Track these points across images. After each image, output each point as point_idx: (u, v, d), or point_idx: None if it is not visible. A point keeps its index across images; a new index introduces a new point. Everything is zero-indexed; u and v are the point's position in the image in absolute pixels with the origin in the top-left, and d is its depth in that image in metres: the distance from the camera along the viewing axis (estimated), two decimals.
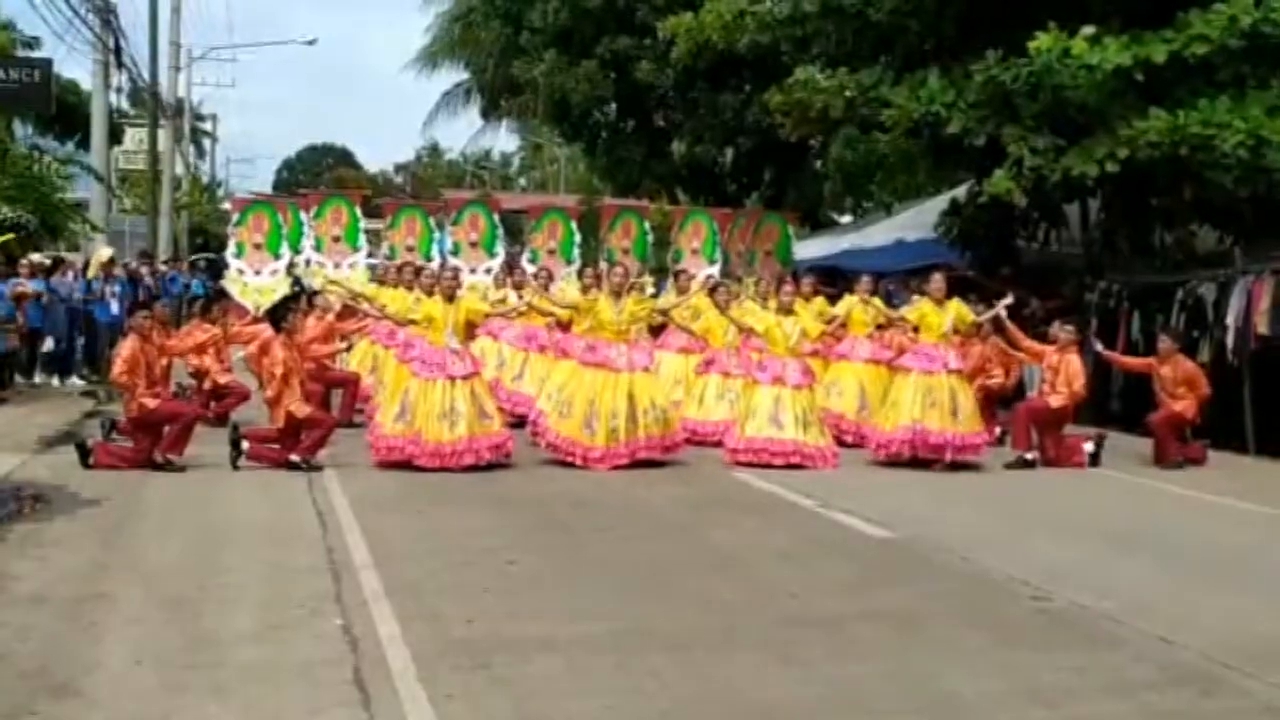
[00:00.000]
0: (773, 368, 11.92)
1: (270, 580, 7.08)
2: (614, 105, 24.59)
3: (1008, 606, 6.98)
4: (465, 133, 74.14)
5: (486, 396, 11.41)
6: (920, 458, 11.77)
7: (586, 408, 11.33)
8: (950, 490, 11.00)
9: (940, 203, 19.51)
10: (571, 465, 11.33)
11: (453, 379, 11.07)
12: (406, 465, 10.93)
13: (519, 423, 12.40)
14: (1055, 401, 12.18)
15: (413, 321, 12.00)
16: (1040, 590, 7.23)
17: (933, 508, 10.16)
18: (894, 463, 11.89)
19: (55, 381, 16.22)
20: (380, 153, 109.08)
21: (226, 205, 18.70)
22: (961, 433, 11.76)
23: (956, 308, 12.28)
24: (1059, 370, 12.28)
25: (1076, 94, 13.24)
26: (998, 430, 13.17)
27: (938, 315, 12.14)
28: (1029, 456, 12.08)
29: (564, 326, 13.56)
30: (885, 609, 6.80)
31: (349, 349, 14.13)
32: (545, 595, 6.96)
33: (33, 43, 25.87)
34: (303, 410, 10.92)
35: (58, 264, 17.06)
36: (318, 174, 67.80)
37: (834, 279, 16.75)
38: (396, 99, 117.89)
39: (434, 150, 70.38)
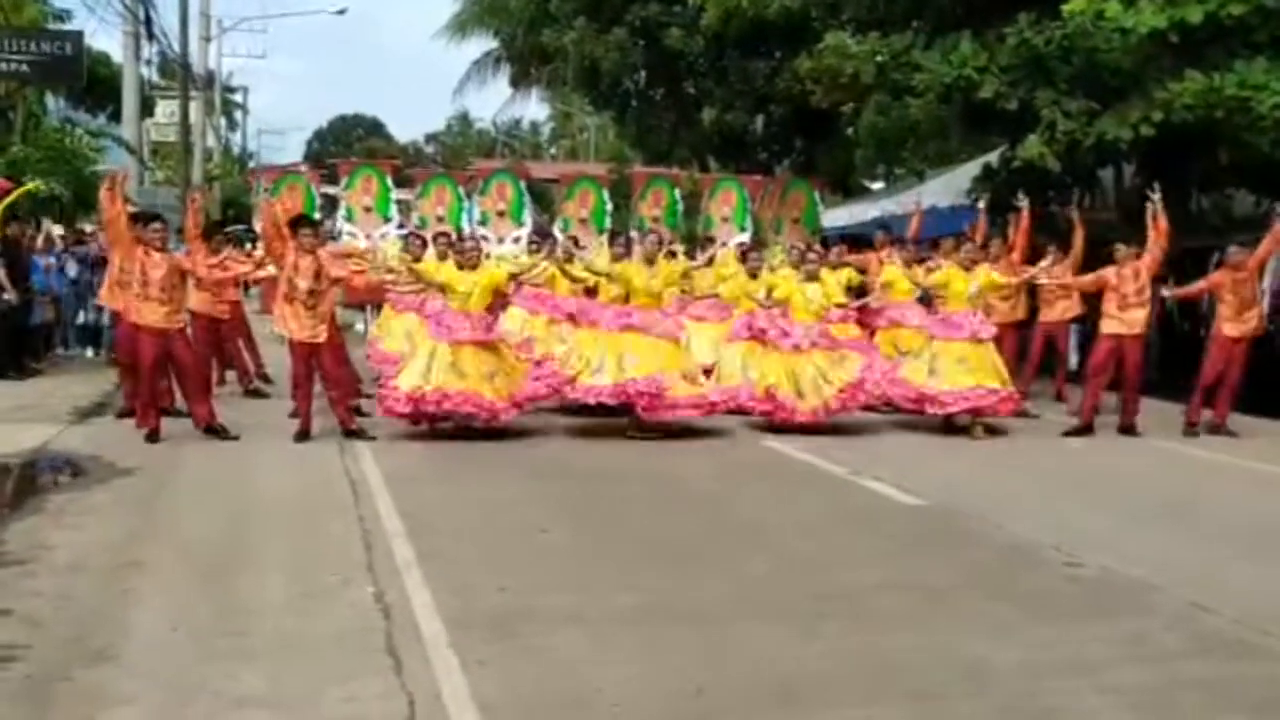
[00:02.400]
0: (794, 334, 11.86)
1: (303, 549, 7.14)
2: (644, 73, 24.41)
3: (1039, 574, 6.95)
4: (495, 102, 74.17)
5: (507, 357, 11.32)
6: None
7: (618, 362, 11.30)
8: (985, 457, 10.96)
9: (972, 169, 19.34)
10: (604, 415, 11.40)
11: (462, 343, 10.94)
12: (420, 422, 11.03)
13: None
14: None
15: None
16: (1072, 557, 7.20)
17: (966, 475, 10.13)
18: (934, 430, 11.83)
19: (89, 353, 16.37)
20: (411, 123, 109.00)
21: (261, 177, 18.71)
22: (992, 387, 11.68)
23: (985, 274, 12.15)
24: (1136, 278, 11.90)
25: (1110, 57, 13.08)
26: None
27: (963, 281, 12.03)
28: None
29: (590, 293, 13.48)
30: (915, 578, 6.79)
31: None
32: (576, 565, 6.99)
33: (64, 15, 25.90)
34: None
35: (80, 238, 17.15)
36: (348, 145, 67.83)
37: (863, 247, 16.63)
38: (426, 69, 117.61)
39: (464, 119, 70.36)
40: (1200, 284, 12.84)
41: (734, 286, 13.50)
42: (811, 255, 12.72)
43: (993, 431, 11.96)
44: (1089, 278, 12.46)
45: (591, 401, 11.30)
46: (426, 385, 10.67)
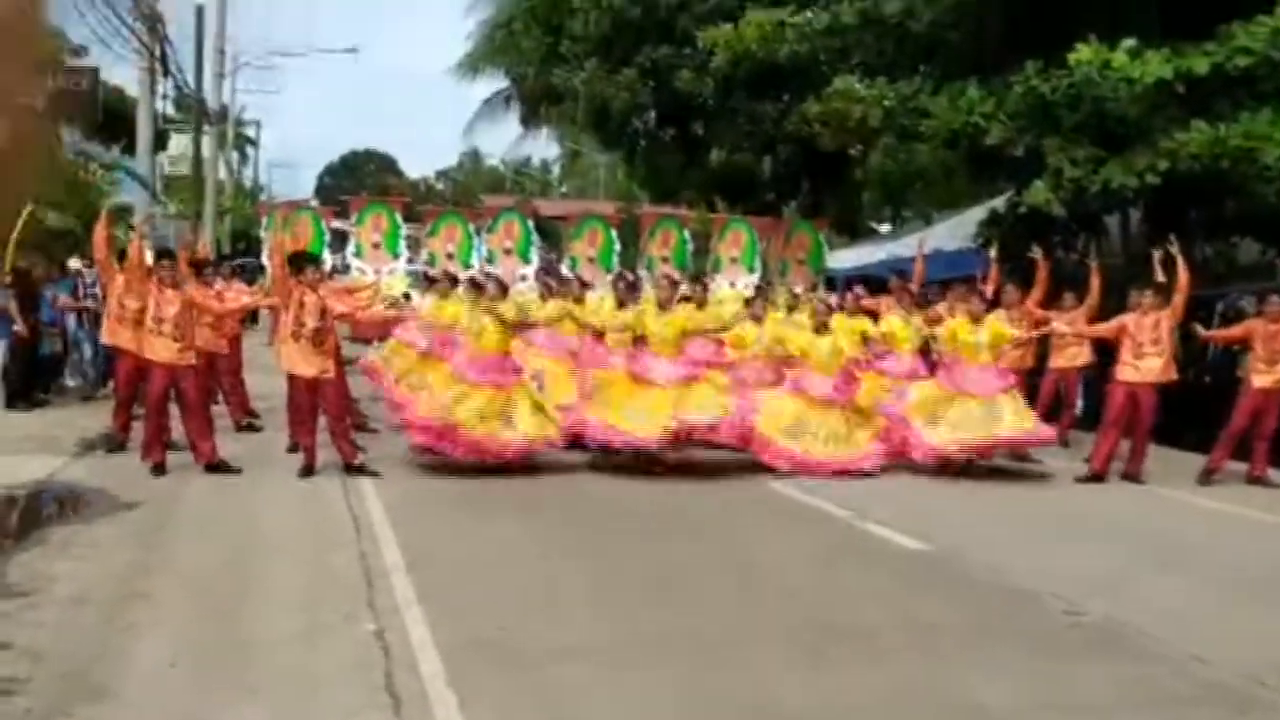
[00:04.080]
0: (804, 383, 11.90)
1: (304, 584, 7.16)
2: (653, 113, 24.59)
3: (1040, 620, 6.95)
4: (506, 139, 74.77)
5: (533, 399, 11.37)
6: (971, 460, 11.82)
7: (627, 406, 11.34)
8: (989, 502, 10.94)
9: (979, 213, 19.42)
10: (612, 454, 11.45)
11: (500, 386, 11.10)
12: (436, 454, 11.06)
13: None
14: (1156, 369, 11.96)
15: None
16: (1074, 604, 7.19)
17: (970, 519, 10.12)
18: (938, 474, 11.85)
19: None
20: (422, 159, 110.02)
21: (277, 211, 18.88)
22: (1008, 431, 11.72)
23: (993, 325, 12.18)
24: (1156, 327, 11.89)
25: (1117, 106, 13.16)
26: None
27: (971, 334, 12.07)
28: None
29: (599, 336, 13.50)
30: (916, 620, 6.79)
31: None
32: (576, 601, 7.00)
33: (80, 50, 26.17)
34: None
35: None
36: (360, 180, 68.20)
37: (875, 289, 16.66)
38: (438, 106, 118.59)
39: (475, 156, 70.73)
40: (1236, 330, 12.85)
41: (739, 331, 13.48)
42: (821, 307, 12.66)
43: (999, 474, 11.97)
44: (1108, 325, 12.48)
45: (654, 448, 11.29)
46: (449, 419, 10.77)
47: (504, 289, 12.26)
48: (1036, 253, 13.25)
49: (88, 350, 15.55)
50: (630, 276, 14.57)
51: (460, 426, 10.80)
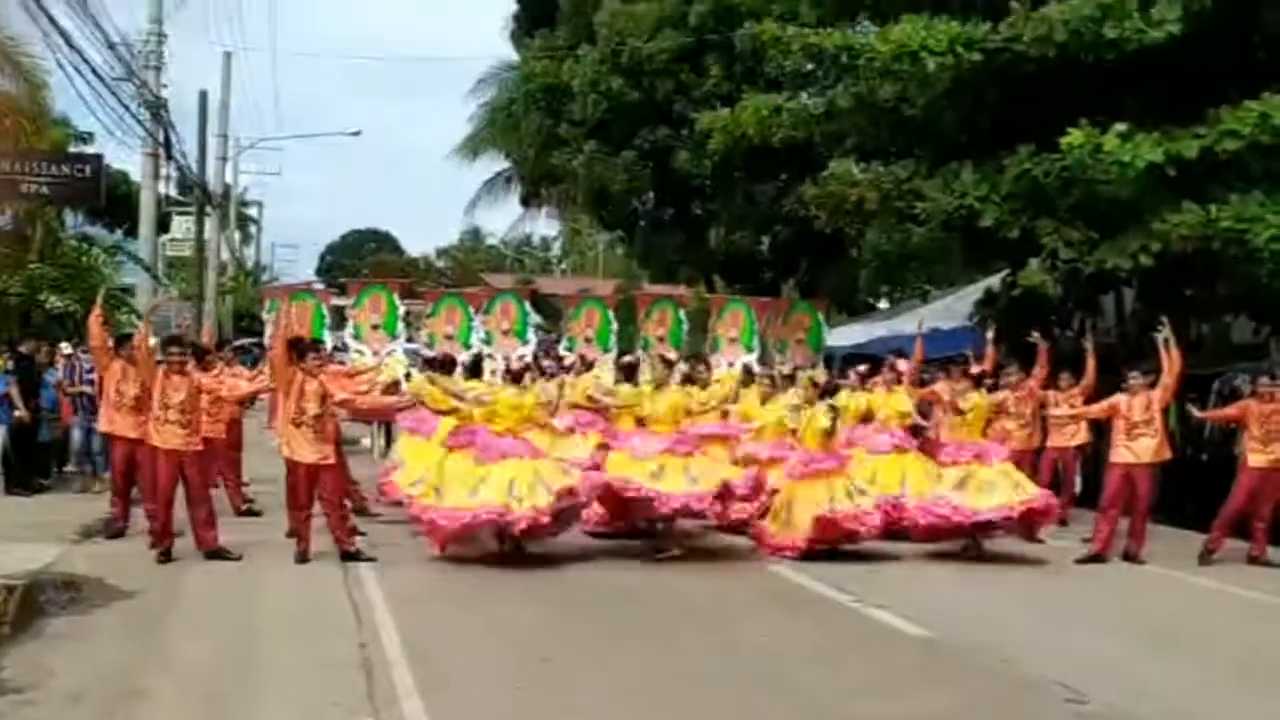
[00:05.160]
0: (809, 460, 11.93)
1: (304, 677, 7.14)
2: (652, 194, 24.87)
3: (1043, 708, 6.93)
4: (506, 218, 75.31)
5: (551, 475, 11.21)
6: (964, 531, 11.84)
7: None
8: (991, 585, 10.90)
9: (975, 291, 19.54)
10: (616, 538, 11.57)
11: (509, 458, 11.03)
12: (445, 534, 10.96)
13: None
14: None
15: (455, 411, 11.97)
16: (1076, 692, 7.16)
17: (971, 603, 10.09)
18: (937, 555, 11.82)
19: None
20: (422, 237, 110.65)
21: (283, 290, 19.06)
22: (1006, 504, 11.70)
23: (977, 401, 12.29)
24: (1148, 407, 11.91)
25: (1109, 189, 13.31)
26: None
27: (966, 404, 12.22)
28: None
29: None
30: (918, 712, 6.76)
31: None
32: (578, 694, 6.97)
33: (85, 137, 26.51)
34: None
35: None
36: (360, 258, 68.64)
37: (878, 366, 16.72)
38: (439, 186, 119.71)
39: (475, 235, 71.17)
40: (1230, 410, 12.90)
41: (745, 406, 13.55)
42: (814, 389, 12.75)
43: (1000, 556, 11.95)
44: (1100, 405, 12.55)
45: (695, 507, 11.28)
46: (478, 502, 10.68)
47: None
48: (1036, 337, 13.32)
49: (77, 437, 15.33)
50: (632, 358, 14.66)
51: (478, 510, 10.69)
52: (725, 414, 13.27)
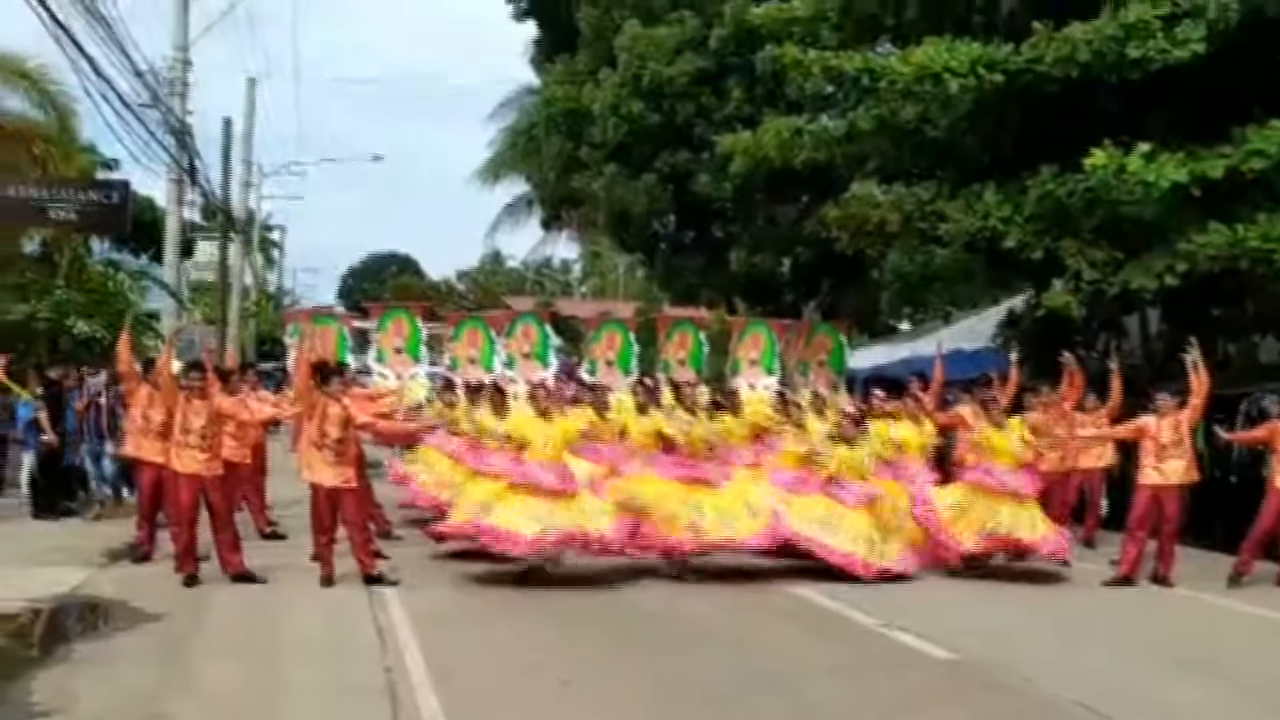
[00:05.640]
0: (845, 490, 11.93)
1: (329, 701, 7.13)
2: (673, 217, 24.94)
3: None
4: (527, 241, 75.41)
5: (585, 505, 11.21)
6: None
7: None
8: (1016, 606, 10.83)
9: (997, 313, 19.48)
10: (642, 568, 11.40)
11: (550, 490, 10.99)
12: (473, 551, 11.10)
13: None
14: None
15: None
16: (1101, 715, 7.10)
17: (997, 625, 10.01)
18: (959, 576, 11.75)
19: (125, 493, 16.46)
20: (443, 260, 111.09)
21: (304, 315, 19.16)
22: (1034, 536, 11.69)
23: (1018, 428, 12.19)
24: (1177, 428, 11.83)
25: (1133, 209, 13.26)
26: None
27: (1003, 439, 12.05)
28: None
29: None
30: None
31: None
32: (601, 715, 6.95)
33: (112, 164, 26.73)
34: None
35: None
36: (381, 281, 68.87)
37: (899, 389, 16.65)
38: (460, 209, 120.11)
39: (496, 258, 71.40)
40: (1259, 431, 12.79)
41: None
42: (847, 421, 12.58)
43: (1026, 577, 11.88)
44: (1128, 426, 12.46)
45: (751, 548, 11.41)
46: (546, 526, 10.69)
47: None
48: (1068, 359, 13.25)
49: (89, 464, 15.15)
50: (650, 382, 14.63)
51: (496, 524, 10.71)
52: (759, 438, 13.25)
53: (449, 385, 15.58)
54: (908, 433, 13.12)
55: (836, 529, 11.56)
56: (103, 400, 14.92)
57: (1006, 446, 11.99)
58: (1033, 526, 11.81)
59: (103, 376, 15.25)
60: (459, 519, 11.13)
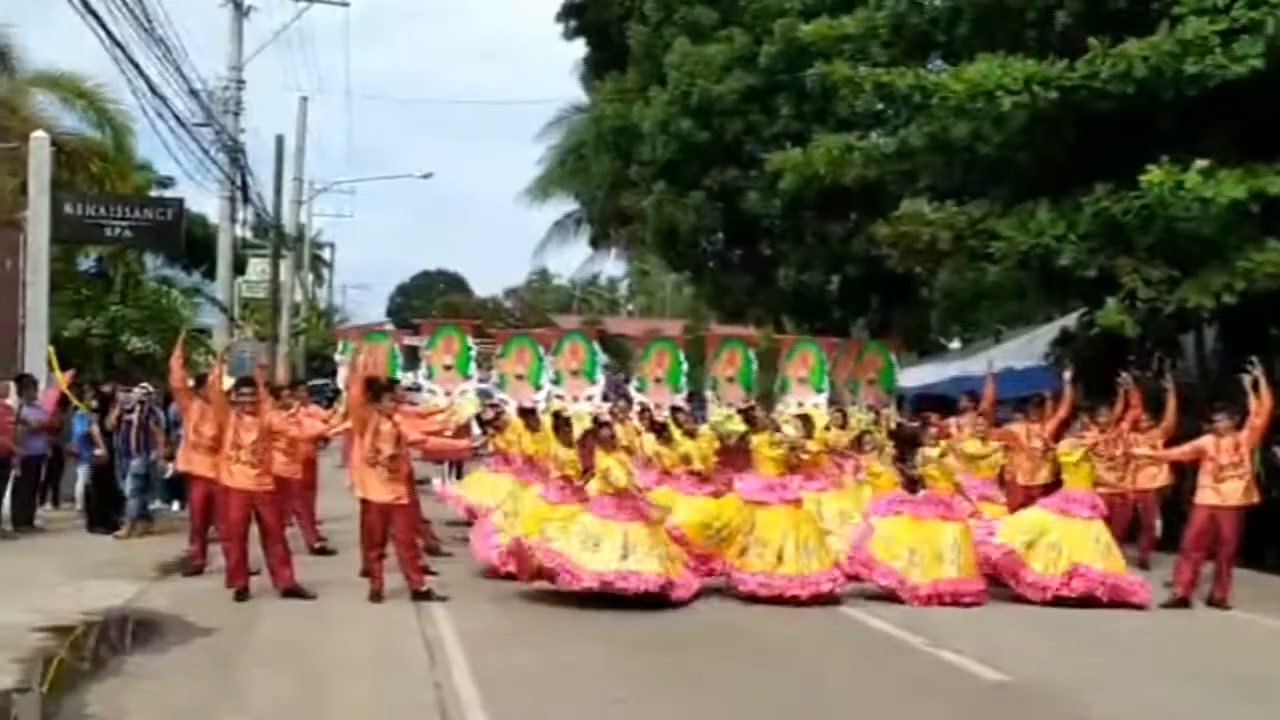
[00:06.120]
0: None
1: (378, 717, 7.13)
2: (721, 234, 24.90)
3: None
4: (574, 259, 75.78)
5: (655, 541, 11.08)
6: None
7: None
8: (1068, 628, 10.66)
9: (1049, 331, 19.28)
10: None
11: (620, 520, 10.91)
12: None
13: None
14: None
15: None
16: None
17: (1048, 647, 9.86)
18: (1012, 598, 11.59)
19: (174, 507, 16.61)
20: (491, 278, 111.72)
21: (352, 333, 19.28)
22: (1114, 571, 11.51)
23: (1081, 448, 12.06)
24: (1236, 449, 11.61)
25: (1190, 226, 13.09)
26: None
27: (1069, 456, 11.94)
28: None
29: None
30: None
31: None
32: None
33: (167, 182, 27.09)
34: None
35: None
36: (430, 299, 69.33)
37: (950, 408, 16.49)
38: (508, 227, 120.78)
39: (543, 276, 71.70)
40: None
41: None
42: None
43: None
44: (1186, 448, 12.26)
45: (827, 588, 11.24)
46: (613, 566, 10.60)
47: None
48: (1125, 379, 13.08)
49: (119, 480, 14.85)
50: (686, 407, 14.64)
51: (555, 551, 10.68)
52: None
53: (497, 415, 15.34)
54: (975, 449, 13.03)
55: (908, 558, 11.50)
56: (134, 416, 14.72)
57: (1089, 469, 11.88)
58: (1113, 560, 11.59)
59: (136, 392, 15.18)
60: (532, 541, 10.95)
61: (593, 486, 11.15)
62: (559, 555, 10.64)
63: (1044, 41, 14.68)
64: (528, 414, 14.53)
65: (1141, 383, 13.98)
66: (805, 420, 12.89)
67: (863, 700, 7.96)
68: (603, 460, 11.03)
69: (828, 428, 14.45)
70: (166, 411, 15.49)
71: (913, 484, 12.03)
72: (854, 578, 11.61)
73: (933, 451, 11.83)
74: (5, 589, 10.44)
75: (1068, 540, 11.49)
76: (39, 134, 18.70)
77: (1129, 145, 13.72)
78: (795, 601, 10.96)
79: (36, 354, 16.60)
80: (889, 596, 11.29)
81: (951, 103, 14.27)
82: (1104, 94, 13.53)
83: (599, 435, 11.42)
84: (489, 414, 15.07)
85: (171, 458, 14.51)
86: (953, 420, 14.69)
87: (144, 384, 16.52)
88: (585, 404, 17.24)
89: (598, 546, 10.64)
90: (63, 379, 15.53)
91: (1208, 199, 12.59)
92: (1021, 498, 13.15)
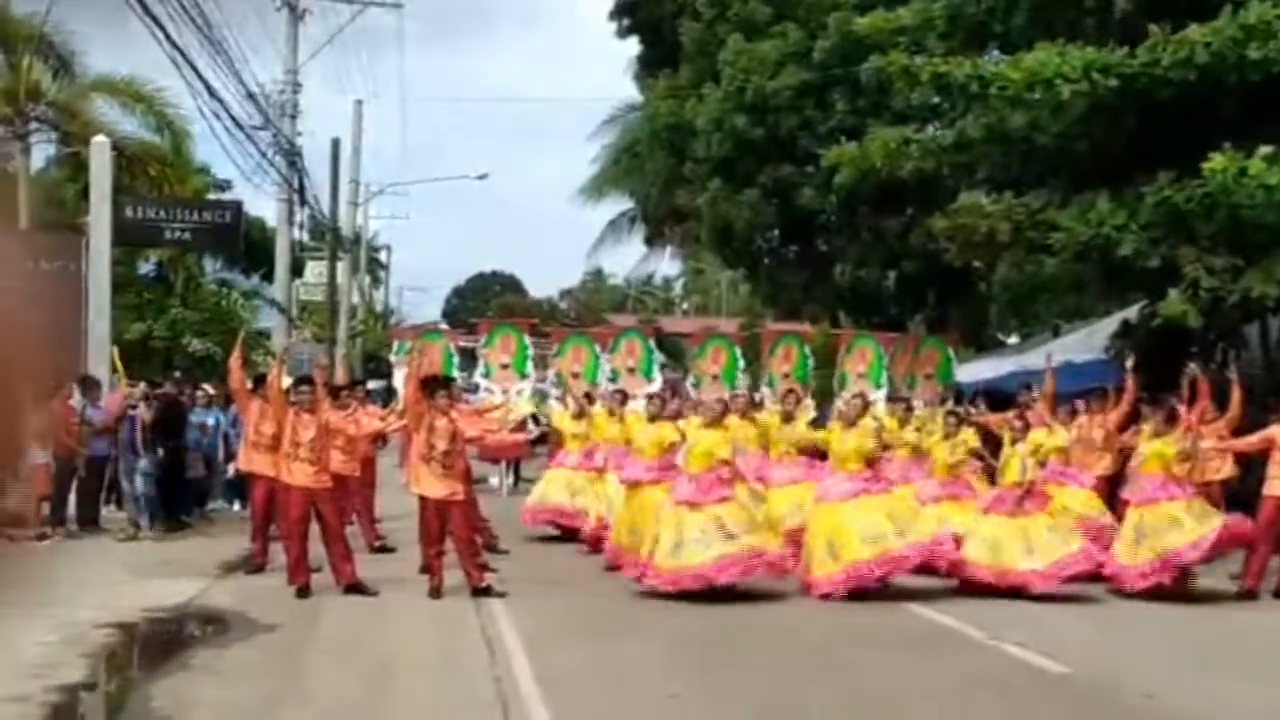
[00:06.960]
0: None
1: (440, 712, 7.18)
2: (776, 231, 24.77)
3: None
4: (629, 258, 76.02)
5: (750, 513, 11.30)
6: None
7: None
8: (1131, 620, 10.52)
9: (1110, 324, 19.01)
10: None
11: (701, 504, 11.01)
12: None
13: None
14: None
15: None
16: None
17: (1111, 640, 9.74)
18: (1074, 590, 11.44)
19: (235, 507, 16.81)
20: (546, 279, 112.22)
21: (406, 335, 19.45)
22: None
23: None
24: None
25: (1254, 214, 12.85)
26: None
27: (1168, 446, 11.77)
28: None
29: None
30: None
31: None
32: None
33: (225, 185, 27.43)
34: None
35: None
36: (485, 300, 69.66)
37: (1009, 402, 16.32)
38: (563, 227, 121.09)
39: (598, 275, 71.81)
40: None
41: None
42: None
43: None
44: (1254, 438, 12.08)
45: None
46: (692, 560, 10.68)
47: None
48: (1193, 370, 12.87)
49: (124, 481, 14.71)
50: (755, 397, 14.53)
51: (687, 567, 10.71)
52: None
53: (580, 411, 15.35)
54: (1044, 438, 12.95)
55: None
56: (138, 414, 14.49)
57: (1170, 454, 11.69)
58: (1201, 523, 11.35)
59: (141, 388, 15.14)
60: (661, 564, 10.90)
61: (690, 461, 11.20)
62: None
63: (1103, 29, 14.46)
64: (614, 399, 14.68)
65: (1211, 378, 13.74)
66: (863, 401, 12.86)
67: (923, 693, 7.89)
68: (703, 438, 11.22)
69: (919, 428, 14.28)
70: (226, 412, 15.68)
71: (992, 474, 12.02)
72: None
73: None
74: (71, 587, 10.60)
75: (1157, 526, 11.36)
76: (100, 139, 18.99)
77: (1191, 133, 13.49)
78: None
79: (100, 356, 16.83)
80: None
81: (1009, 92, 14.08)
82: (1165, 81, 13.32)
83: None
84: (575, 407, 15.10)
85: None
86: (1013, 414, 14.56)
87: (204, 386, 16.77)
88: (642, 401, 17.25)
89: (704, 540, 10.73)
90: (124, 382, 15.70)
91: (1272, 185, 12.37)
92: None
